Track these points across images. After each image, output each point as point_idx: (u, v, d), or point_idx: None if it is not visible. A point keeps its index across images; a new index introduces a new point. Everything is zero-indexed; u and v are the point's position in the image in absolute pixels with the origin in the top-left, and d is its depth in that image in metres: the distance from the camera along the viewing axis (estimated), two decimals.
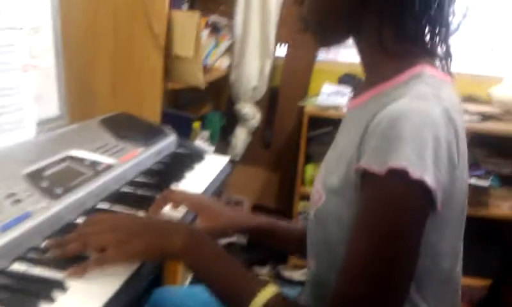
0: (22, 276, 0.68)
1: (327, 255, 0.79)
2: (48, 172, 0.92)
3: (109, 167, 1.03)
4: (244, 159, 2.82)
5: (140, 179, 1.11)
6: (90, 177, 0.96)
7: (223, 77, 2.52)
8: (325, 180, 0.80)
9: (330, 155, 0.87)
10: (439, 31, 0.77)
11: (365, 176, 0.67)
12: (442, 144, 0.65)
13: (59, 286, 0.66)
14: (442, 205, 0.66)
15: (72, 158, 1.02)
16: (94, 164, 1.02)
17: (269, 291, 0.69)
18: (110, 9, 1.66)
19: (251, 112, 2.70)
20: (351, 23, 0.80)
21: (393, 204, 0.64)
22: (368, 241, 0.65)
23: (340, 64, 2.72)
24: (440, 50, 0.79)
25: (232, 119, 2.76)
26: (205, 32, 2.16)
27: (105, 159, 1.05)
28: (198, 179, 1.19)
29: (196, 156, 1.34)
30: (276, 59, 2.74)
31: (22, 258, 0.71)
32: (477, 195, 2.32)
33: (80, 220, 0.87)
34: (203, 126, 2.38)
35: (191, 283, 1.99)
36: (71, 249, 0.72)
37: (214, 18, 2.28)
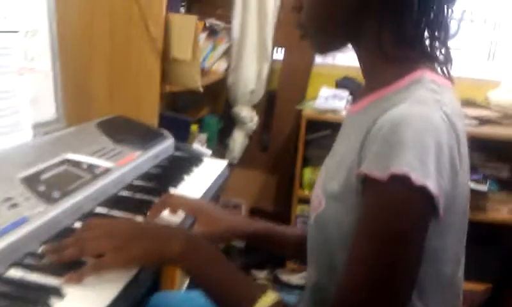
0: (19, 283, 0.67)
1: (327, 261, 0.78)
2: (45, 176, 0.91)
3: (106, 170, 1.02)
4: (242, 162, 2.81)
5: (138, 183, 1.10)
6: (88, 181, 0.95)
7: (220, 80, 2.52)
8: (325, 185, 0.79)
9: (330, 160, 0.86)
10: (438, 35, 0.77)
11: (366, 182, 0.66)
12: (444, 149, 0.64)
13: (56, 292, 0.65)
14: (444, 211, 0.65)
15: (69, 161, 1.00)
16: (91, 167, 1.01)
17: (269, 298, 0.68)
18: (106, 12, 1.65)
19: (248, 116, 2.70)
20: (351, 29, 0.79)
21: (395, 210, 0.64)
22: (370, 247, 0.65)
23: (337, 68, 2.72)
24: (439, 54, 0.78)
25: (230, 122, 2.76)
26: (203, 36, 2.16)
27: (102, 163, 1.04)
28: (197, 183, 1.18)
29: (194, 159, 1.33)
30: (273, 62, 2.74)
31: (18, 264, 0.70)
32: (475, 199, 2.32)
33: (77, 224, 0.86)
34: (201, 129, 2.38)
35: (188, 288, 1.98)
36: (68, 255, 0.71)
37: (211, 21, 2.28)
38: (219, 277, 0.74)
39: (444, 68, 0.79)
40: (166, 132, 1.38)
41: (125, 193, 1.04)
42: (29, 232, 0.74)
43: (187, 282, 2.01)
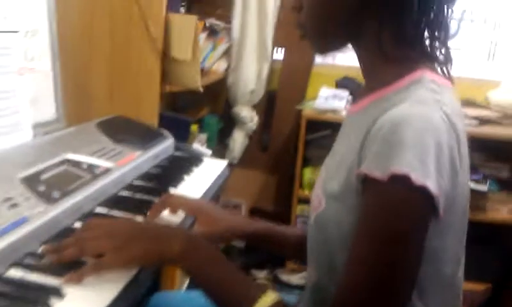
0: (19, 283, 0.66)
1: (327, 261, 0.78)
2: (45, 176, 0.91)
3: (106, 170, 1.02)
4: (242, 162, 2.81)
5: (138, 183, 1.10)
6: (88, 181, 0.95)
7: (220, 80, 2.51)
8: (325, 185, 0.79)
9: (330, 160, 0.86)
10: (438, 35, 0.77)
11: (367, 182, 0.66)
12: (444, 149, 0.64)
13: (56, 292, 0.64)
14: (444, 211, 0.65)
15: (69, 161, 1.00)
16: (91, 167, 1.01)
17: (269, 298, 0.68)
18: (106, 12, 1.65)
19: (248, 116, 2.70)
20: (351, 29, 0.79)
21: (395, 210, 0.64)
22: (370, 247, 0.65)
23: (337, 68, 2.72)
24: (439, 54, 0.78)
25: (230, 122, 2.75)
26: (203, 36, 2.15)
27: (102, 163, 1.04)
28: (197, 183, 1.18)
29: (194, 159, 1.33)
30: (273, 62, 2.73)
31: (18, 264, 0.70)
32: (475, 199, 2.32)
33: (77, 224, 0.86)
34: (201, 129, 2.38)
35: (188, 287, 1.98)
36: (68, 255, 0.71)
37: (211, 21, 2.28)
38: (219, 277, 0.74)
39: (444, 68, 0.79)
40: (166, 132, 1.38)
41: (125, 193, 1.04)
42: (29, 232, 0.74)
43: (187, 282, 2.01)
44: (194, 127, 2.16)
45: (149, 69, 1.66)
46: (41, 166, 0.94)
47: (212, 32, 2.32)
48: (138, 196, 1.03)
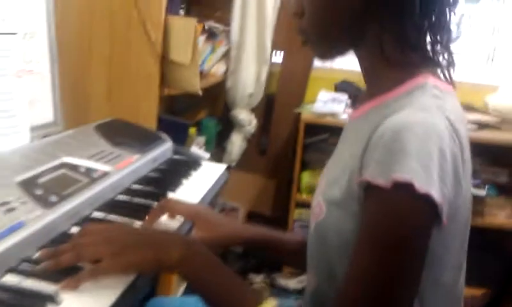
0: (15, 289, 0.66)
1: (327, 268, 0.78)
2: (42, 179, 0.90)
3: (104, 174, 1.01)
4: (240, 166, 2.80)
5: (136, 187, 1.09)
6: (86, 185, 0.94)
7: (219, 82, 2.51)
8: (326, 192, 0.78)
9: (330, 166, 0.85)
10: (440, 39, 0.76)
11: (369, 189, 0.65)
12: (447, 157, 0.64)
13: (53, 299, 0.64)
14: (447, 219, 0.65)
15: (66, 165, 1.00)
16: (89, 171, 1.00)
17: (269, 306, 0.68)
18: (106, 15, 1.65)
19: (247, 119, 2.69)
20: (353, 34, 0.79)
21: (398, 218, 0.63)
22: (372, 254, 0.64)
23: (336, 71, 2.72)
24: (441, 58, 0.78)
25: (228, 126, 2.75)
26: (202, 38, 2.15)
27: (100, 166, 1.04)
28: (195, 187, 1.18)
29: (193, 163, 1.32)
30: (272, 65, 2.73)
31: (14, 270, 0.69)
32: (473, 204, 2.30)
33: (75, 229, 0.85)
34: (199, 132, 2.37)
35: (184, 293, 1.98)
36: (64, 260, 0.70)
37: (210, 23, 2.27)
38: (217, 283, 0.74)
39: (446, 72, 0.78)
40: (164, 135, 1.37)
41: (123, 197, 1.03)
42: (26, 237, 0.73)
43: (183, 287, 2.00)
44: (192, 130, 2.15)
45: (148, 72, 1.66)
46: (38, 170, 0.93)
47: (211, 34, 2.31)
48: (136, 200, 1.02)
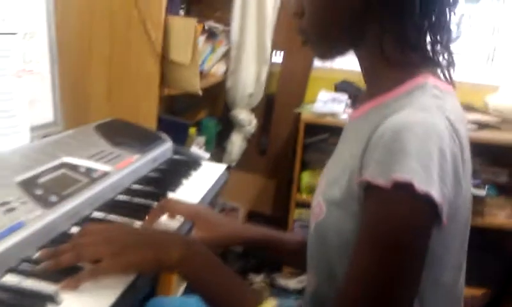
0: (15, 289, 0.66)
1: (327, 269, 0.78)
2: (42, 179, 0.90)
3: (104, 174, 1.01)
4: (240, 165, 2.80)
5: (136, 187, 1.09)
6: (86, 185, 0.94)
7: (219, 82, 2.51)
8: (326, 192, 0.78)
9: (330, 166, 0.85)
10: (440, 39, 0.76)
11: (369, 189, 0.66)
12: (447, 157, 0.64)
13: (53, 299, 0.64)
14: (448, 219, 0.65)
15: (66, 165, 1.00)
16: (89, 171, 1.00)
17: (269, 306, 0.68)
18: (106, 15, 1.65)
19: (247, 119, 2.69)
20: (354, 34, 0.79)
21: (398, 218, 0.63)
22: (372, 254, 0.64)
23: (336, 71, 2.72)
24: (441, 58, 0.78)
25: (228, 126, 2.75)
26: (202, 38, 2.15)
27: (100, 166, 1.04)
28: (195, 187, 1.18)
29: (193, 163, 1.32)
30: (272, 65, 2.73)
31: (14, 270, 0.69)
32: (474, 204, 2.30)
33: (75, 229, 0.85)
34: (199, 132, 2.37)
35: (184, 293, 1.98)
36: (64, 261, 0.70)
37: (210, 23, 2.27)
38: (217, 283, 0.74)
39: (446, 72, 0.78)
40: (164, 135, 1.37)
41: (123, 197, 1.03)
42: (26, 237, 0.73)
43: (183, 287, 2.00)
44: (192, 130, 2.15)
45: (148, 72, 1.66)
46: (38, 170, 0.93)
47: (211, 34, 2.31)
48: (136, 200, 1.02)
